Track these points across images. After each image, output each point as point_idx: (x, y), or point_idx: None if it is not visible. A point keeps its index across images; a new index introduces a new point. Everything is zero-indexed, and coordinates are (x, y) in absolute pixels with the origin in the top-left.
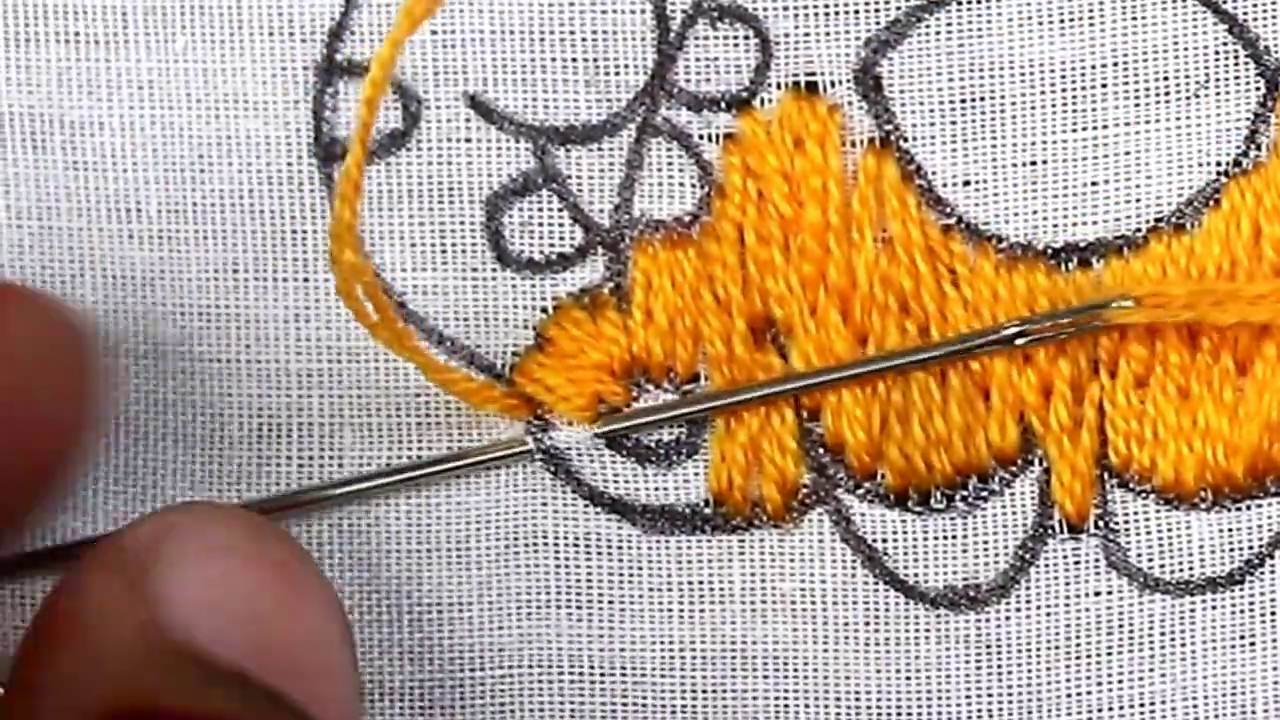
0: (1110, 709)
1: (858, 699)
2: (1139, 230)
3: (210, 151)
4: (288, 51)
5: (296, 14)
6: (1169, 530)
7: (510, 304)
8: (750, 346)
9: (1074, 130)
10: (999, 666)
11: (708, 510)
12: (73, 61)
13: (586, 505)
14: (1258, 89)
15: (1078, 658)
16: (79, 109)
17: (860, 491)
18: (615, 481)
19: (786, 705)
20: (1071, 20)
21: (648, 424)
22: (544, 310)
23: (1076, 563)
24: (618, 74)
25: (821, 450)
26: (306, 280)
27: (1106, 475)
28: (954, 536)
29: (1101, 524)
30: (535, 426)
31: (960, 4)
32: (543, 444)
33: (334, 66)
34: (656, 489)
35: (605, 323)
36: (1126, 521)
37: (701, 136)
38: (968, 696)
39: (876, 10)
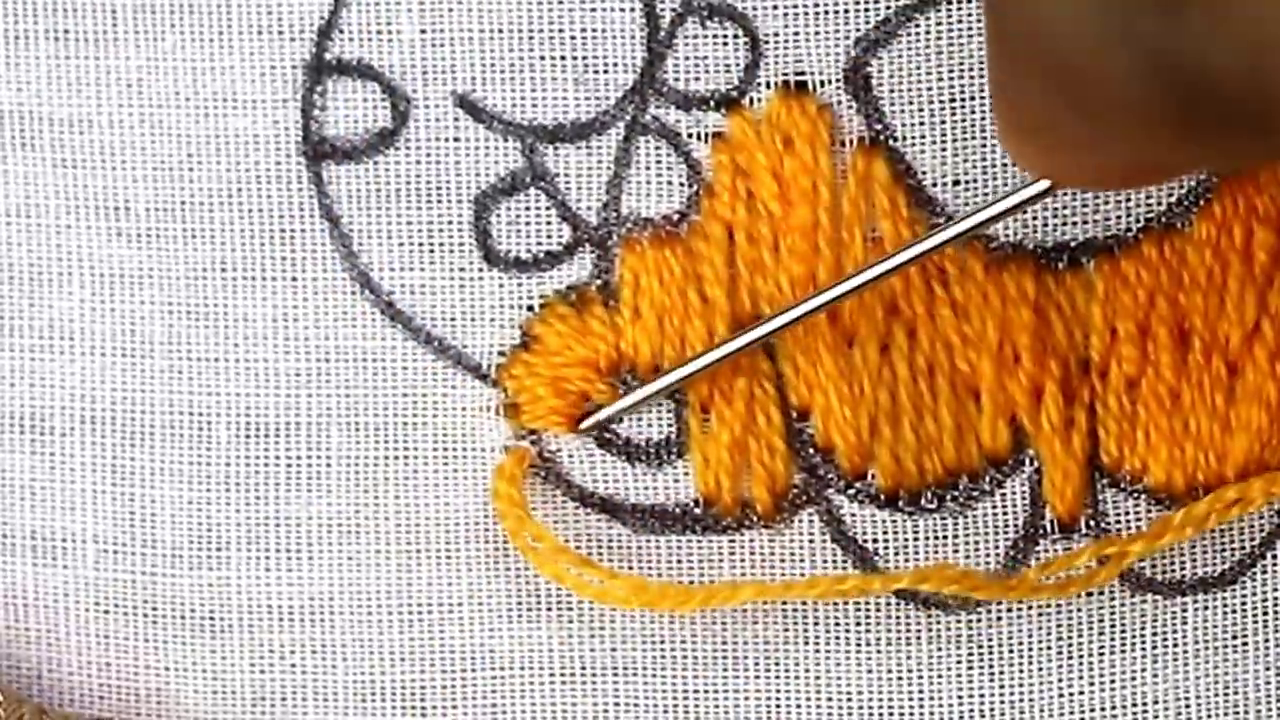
0: (1102, 709)
1: (849, 699)
2: (1129, 230)
3: (199, 149)
4: (277, 50)
5: (285, 12)
6: None
7: (497, 303)
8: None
9: None
10: (991, 667)
11: (698, 510)
12: (62, 59)
13: (576, 506)
14: None
15: (1070, 658)
16: (68, 106)
17: (851, 492)
18: (605, 481)
19: (778, 706)
20: None
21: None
22: (530, 309)
23: None
24: (607, 72)
25: (812, 451)
26: (295, 279)
27: (1098, 476)
28: (945, 537)
29: (1093, 524)
30: (525, 430)
31: (950, 3)
32: (537, 444)
33: (323, 65)
34: (646, 489)
35: (592, 319)
36: (1118, 522)
37: (691, 135)
38: (959, 697)
39: (866, 9)
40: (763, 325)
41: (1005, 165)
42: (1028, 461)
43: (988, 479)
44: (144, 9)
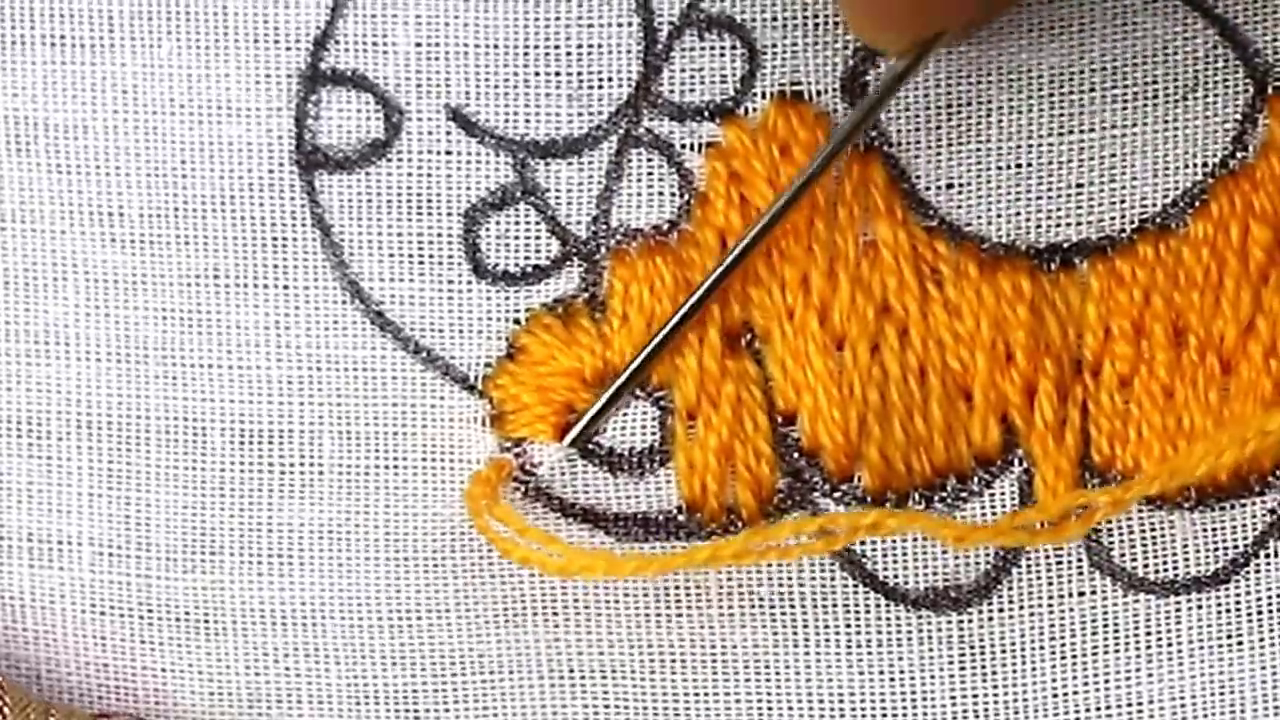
0: (1095, 710)
1: (839, 702)
2: (1123, 231)
3: (193, 156)
4: (272, 58)
5: (281, 21)
6: (1153, 530)
7: (485, 315)
8: (724, 356)
9: (1060, 133)
10: (982, 668)
11: (681, 518)
12: (58, 65)
13: (558, 517)
14: (1246, 91)
15: (1062, 658)
16: (63, 112)
17: (836, 495)
18: (587, 492)
19: (767, 709)
20: (1060, 26)
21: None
22: (517, 321)
23: (1059, 563)
24: (601, 87)
25: (797, 455)
26: (287, 287)
27: (1089, 475)
28: (932, 539)
29: None
30: (510, 441)
31: None
32: (520, 457)
33: (318, 74)
34: (629, 498)
35: (578, 330)
36: (1110, 521)
37: (684, 146)
38: (951, 698)
39: None
40: (701, 287)
41: (999, 169)
42: (1017, 462)
43: (976, 480)
44: (140, 16)
